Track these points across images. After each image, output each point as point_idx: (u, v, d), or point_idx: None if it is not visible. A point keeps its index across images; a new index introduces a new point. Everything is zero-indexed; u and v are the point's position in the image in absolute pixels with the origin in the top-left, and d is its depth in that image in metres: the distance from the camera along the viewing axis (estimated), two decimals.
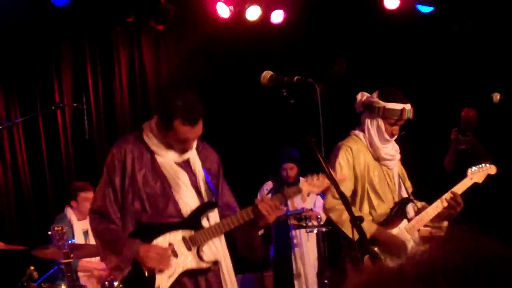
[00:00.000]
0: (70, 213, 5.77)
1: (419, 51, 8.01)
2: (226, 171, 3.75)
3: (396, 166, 4.21)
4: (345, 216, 3.73)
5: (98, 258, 5.65)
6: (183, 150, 3.48)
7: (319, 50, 7.91)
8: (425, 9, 7.90)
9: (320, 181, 3.54)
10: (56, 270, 5.38)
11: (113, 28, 7.27)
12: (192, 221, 3.45)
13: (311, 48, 7.90)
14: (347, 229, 3.74)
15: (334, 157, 4.03)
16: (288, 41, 7.72)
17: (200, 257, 3.42)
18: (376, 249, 3.94)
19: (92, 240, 5.74)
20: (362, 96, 4.13)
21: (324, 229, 6.41)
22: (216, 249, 3.47)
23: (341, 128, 4.36)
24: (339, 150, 4.06)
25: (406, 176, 4.32)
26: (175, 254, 3.39)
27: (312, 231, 6.52)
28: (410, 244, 4.04)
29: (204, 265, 3.43)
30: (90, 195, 5.72)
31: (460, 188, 4.15)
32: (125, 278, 3.33)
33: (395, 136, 4.10)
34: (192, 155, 3.54)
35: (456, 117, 7.75)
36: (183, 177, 3.47)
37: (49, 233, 4.82)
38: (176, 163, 3.49)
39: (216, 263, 3.46)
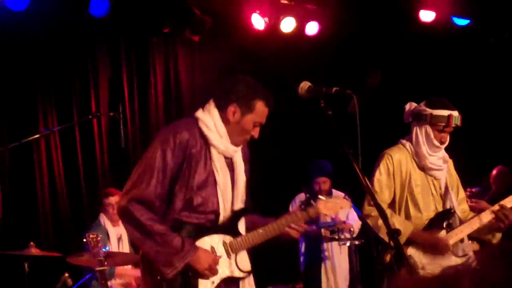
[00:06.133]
0: (104, 219, 5.83)
1: (455, 64, 7.94)
2: (259, 181, 3.74)
3: (444, 177, 4.18)
4: (382, 221, 3.72)
5: (130, 266, 5.70)
6: (243, 141, 3.42)
7: (353, 62, 7.89)
8: (461, 21, 7.83)
9: (333, 204, 3.57)
10: (90, 277, 5.42)
11: (149, 39, 7.35)
12: (230, 226, 3.37)
13: (346, 60, 7.88)
14: (384, 235, 3.72)
15: (376, 164, 4.10)
16: (322, 53, 7.71)
17: (237, 265, 3.36)
18: (413, 251, 3.91)
19: (126, 247, 5.79)
20: (410, 106, 4.17)
21: (356, 242, 6.35)
22: (247, 259, 3.42)
23: (379, 139, 4.36)
24: (381, 157, 4.12)
25: (459, 184, 4.28)
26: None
27: (344, 244, 6.46)
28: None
29: (242, 275, 3.38)
30: (112, 200, 5.74)
31: (510, 201, 4.05)
32: (169, 279, 3.17)
33: (445, 144, 4.09)
34: (238, 156, 3.45)
35: (492, 132, 7.67)
36: (228, 176, 3.38)
37: (84, 240, 4.88)
38: (225, 159, 3.39)
39: (249, 272, 3.41)
